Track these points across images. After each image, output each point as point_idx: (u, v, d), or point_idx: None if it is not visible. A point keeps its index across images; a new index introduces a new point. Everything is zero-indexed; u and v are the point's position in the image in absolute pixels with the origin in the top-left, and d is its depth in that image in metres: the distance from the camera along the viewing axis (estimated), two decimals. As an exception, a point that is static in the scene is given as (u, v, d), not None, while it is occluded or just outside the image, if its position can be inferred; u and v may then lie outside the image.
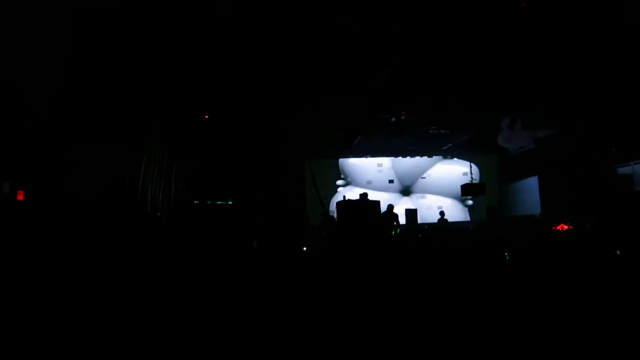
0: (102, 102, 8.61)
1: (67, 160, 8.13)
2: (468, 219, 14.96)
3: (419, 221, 13.50)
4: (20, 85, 6.91)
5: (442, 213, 13.05)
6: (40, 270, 5.53)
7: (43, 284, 5.12)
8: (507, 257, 6.21)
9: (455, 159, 14.96)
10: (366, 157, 14.75)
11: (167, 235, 9.59)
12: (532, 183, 13.58)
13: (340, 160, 14.68)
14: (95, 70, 7.60)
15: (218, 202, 11.12)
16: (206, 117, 10.34)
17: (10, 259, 5.64)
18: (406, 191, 15.10)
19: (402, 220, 13.30)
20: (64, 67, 7.25)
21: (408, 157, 14.85)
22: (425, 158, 14.97)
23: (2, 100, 6.67)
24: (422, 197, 15.03)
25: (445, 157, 14.74)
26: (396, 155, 14.73)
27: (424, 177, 15.15)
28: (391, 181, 14.96)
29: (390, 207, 11.29)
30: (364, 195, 10.08)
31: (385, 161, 15.00)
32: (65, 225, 7.12)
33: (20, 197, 6.80)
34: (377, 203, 9.80)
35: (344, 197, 13.69)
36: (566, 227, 11.76)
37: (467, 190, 13.74)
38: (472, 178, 14.19)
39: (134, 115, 9.53)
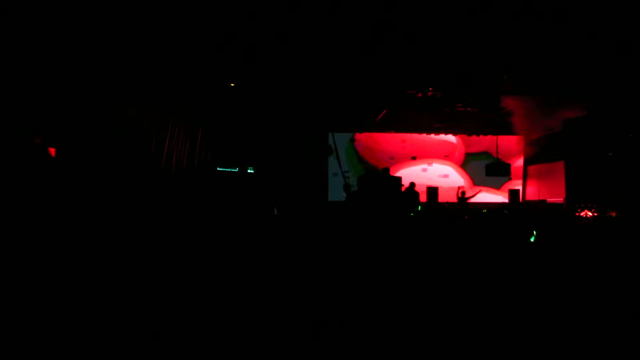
0: (131, 66, 8.73)
1: (97, 122, 8.31)
2: (491, 201, 14.86)
3: (440, 200, 13.47)
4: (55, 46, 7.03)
5: (462, 193, 12.96)
6: (69, 229, 5.76)
7: (69, 241, 5.35)
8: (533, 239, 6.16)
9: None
10: (390, 132, 14.71)
11: (189, 200, 9.80)
12: (557, 167, 13.33)
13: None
14: (124, 33, 7.67)
15: (234, 170, 11.28)
16: (232, 84, 10.39)
17: (38, 214, 5.88)
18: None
19: (422, 197, 13.30)
20: (92, 29, 7.33)
21: (432, 135, 14.75)
22: (450, 136, 14.86)
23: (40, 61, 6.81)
24: (444, 176, 14.96)
25: (469, 135, 14.54)
26: (420, 132, 14.60)
27: (447, 156, 15.04)
28: (414, 158, 14.89)
29: (412, 184, 11.21)
30: (386, 170, 10.08)
31: (409, 137, 14.92)
32: (93, 185, 7.35)
33: (52, 154, 7.01)
34: (399, 180, 9.79)
35: (366, 170, 13.73)
36: (590, 213, 11.57)
37: (491, 170, 13.57)
38: (497, 158, 13.97)
39: (161, 80, 9.64)
